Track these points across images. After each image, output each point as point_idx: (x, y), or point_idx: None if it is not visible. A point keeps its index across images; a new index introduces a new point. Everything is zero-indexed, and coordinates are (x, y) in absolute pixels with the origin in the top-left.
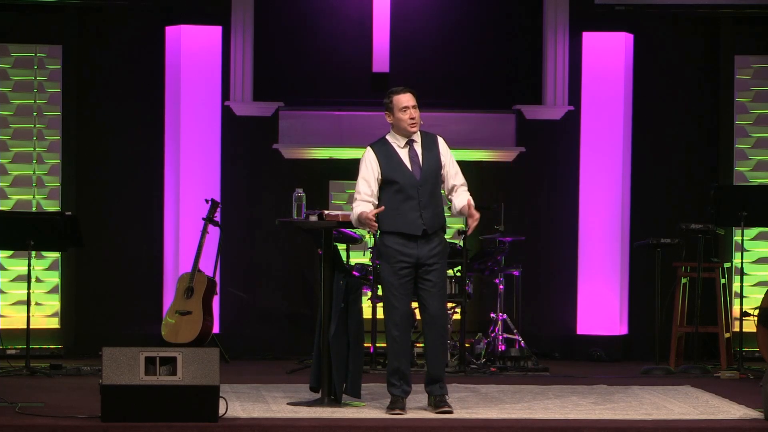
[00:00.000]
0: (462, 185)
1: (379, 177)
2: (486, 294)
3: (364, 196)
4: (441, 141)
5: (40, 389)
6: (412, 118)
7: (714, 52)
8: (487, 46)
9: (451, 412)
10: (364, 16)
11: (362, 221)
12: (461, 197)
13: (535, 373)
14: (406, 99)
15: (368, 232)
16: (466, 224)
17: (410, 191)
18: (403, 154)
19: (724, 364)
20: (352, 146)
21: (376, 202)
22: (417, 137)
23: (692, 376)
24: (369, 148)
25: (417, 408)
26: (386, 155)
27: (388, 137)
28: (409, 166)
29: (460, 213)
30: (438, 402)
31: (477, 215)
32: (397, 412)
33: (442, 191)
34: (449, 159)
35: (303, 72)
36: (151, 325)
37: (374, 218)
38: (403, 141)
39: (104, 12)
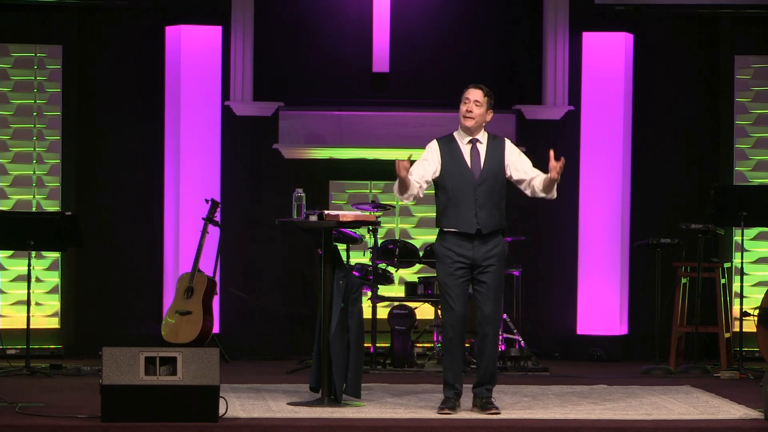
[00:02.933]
0: (540, 173)
1: (438, 169)
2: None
3: (413, 174)
4: (508, 143)
5: (40, 389)
6: (469, 111)
7: (714, 52)
8: (487, 46)
9: (498, 414)
10: (364, 16)
11: (397, 169)
12: (539, 177)
13: (535, 373)
14: (470, 92)
15: (368, 232)
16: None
17: (467, 189)
18: (466, 151)
19: (724, 364)
20: (352, 146)
21: (424, 186)
22: (483, 138)
23: (692, 376)
24: (435, 140)
25: (419, 408)
26: (449, 150)
27: (454, 133)
28: (469, 163)
29: (548, 185)
30: (485, 404)
31: (558, 163)
32: (447, 411)
33: (522, 189)
34: (518, 158)
35: (303, 72)
36: (151, 325)
37: (406, 166)
38: (466, 138)
39: (104, 12)
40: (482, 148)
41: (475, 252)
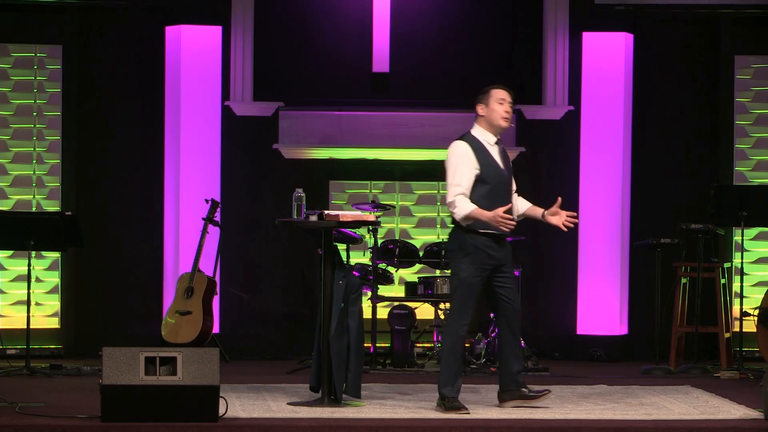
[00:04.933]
0: (515, 190)
1: (477, 173)
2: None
3: (463, 189)
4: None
5: (40, 389)
6: (507, 112)
7: (714, 52)
8: (486, 46)
9: (548, 392)
10: (364, 16)
11: (498, 221)
12: (524, 202)
13: (535, 373)
14: (504, 93)
15: (368, 232)
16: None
17: (502, 190)
18: (493, 152)
19: (724, 364)
20: (352, 146)
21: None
22: (499, 138)
23: (692, 376)
24: (463, 142)
25: (419, 408)
26: (480, 151)
27: (474, 133)
28: (500, 164)
29: (525, 215)
30: (527, 392)
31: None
32: (465, 411)
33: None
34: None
35: (303, 72)
36: (151, 325)
37: (507, 216)
38: (492, 138)
39: (104, 12)
40: (501, 149)
41: (501, 252)
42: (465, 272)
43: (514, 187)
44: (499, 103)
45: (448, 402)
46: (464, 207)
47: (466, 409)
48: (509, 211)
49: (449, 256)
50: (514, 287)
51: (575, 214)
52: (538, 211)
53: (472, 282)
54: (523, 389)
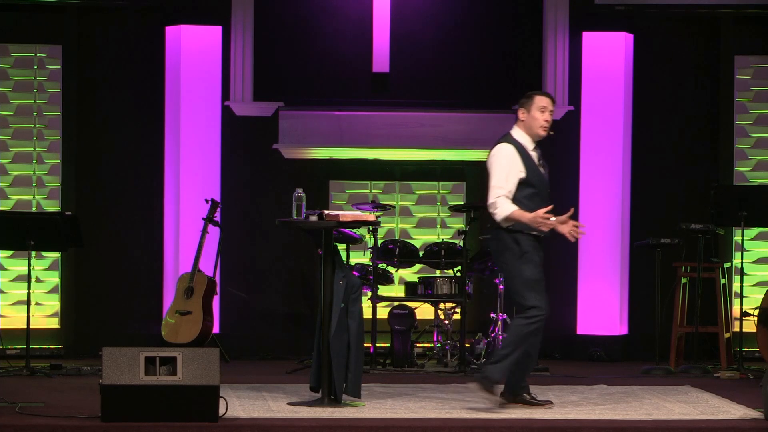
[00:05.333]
0: None
1: (523, 176)
2: (486, 294)
3: (504, 191)
4: None
5: (40, 389)
6: (547, 121)
7: (714, 52)
8: (487, 46)
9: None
10: (364, 16)
11: (538, 221)
12: None
13: (535, 373)
14: (546, 101)
15: (368, 232)
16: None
17: (544, 193)
18: (535, 156)
19: (724, 364)
20: (352, 146)
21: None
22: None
23: (692, 376)
24: (509, 145)
25: (419, 408)
26: (524, 155)
27: (515, 136)
28: (541, 168)
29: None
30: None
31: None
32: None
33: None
34: None
35: (303, 72)
36: (151, 325)
37: (547, 217)
38: (531, 143)
39: (104, 12)
40: (540, 153)
41: (541, 254)
42: (528, 271)
43: None
44: (540, 111)
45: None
46: (506, 208)
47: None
48: (545, 201)
49: (498, 260)
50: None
51: (582, 224)
52: (552, 223)
53: (536, 279)
54: (525, 395)
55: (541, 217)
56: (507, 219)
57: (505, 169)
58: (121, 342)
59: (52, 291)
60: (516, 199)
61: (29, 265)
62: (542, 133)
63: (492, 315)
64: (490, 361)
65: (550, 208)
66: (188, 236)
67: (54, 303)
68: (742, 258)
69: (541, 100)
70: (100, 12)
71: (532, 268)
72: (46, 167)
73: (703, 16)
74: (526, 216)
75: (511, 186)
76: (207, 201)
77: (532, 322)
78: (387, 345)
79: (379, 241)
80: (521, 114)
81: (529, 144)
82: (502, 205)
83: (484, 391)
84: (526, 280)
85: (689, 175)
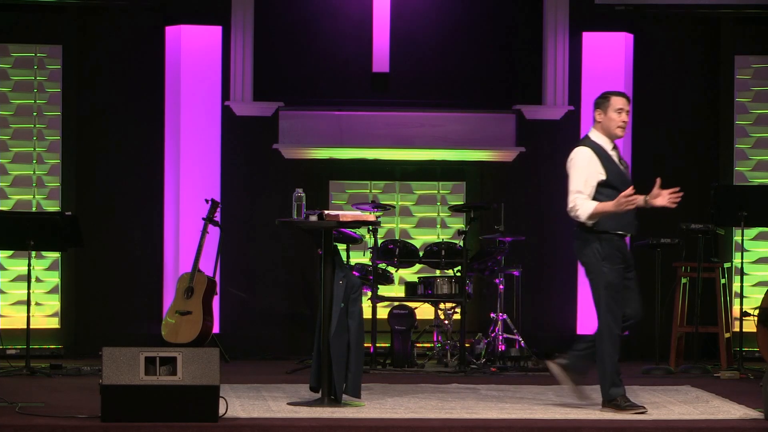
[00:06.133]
0: None
1: (602, 178)
2: (486, 294)
3: (584, 195)
4: None
5: (40, 389)
6: (624, 122)
7: (714, 52)
8: (487, 46)
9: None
10: (364, 16)
11: (622, 203)
12: None
13: (535, 373)
14: (623, 102)
15: (368, 232)
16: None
17: (625, 191)
18: (614, 156)
19: (724, 364)
20: (352, 146)
21: None
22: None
23: (692, 376)
24: (587, 148)
25: (419, 408)
26: (602, 157)
27: (593, 138)
28: (622, 168)
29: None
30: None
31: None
32: (642, 409)
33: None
34: None
35: (303, 72)
36: (151, 325)
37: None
38: (609, 144)
39: (104, 12)
40: (618, 153)
41: (627, 251)
42: (609, 275)
43: None
44: (616, 113)
45: (623, 400)
46: (587, 206)
47: (643, 407)
48: (632, 199)
49: (583, 261)
50: (637, 288)
51: (677, 188)
52: (640, 200)
53: (617, 283)
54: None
55: (624, 197)
56: (591, 216)
57: (584, 173)
58: (121, 342)
59: (52, 291)
60: (596, 201)
61: (29, 265)
62: (620, 133)
63: (492, 315)
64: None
65: (631, 188)
66: (188, 236)
67: (54, 303)
68: (742, 258)
69: (617, 101)
70: (100, 12)
71: (613, 270)
72: (46, 167)
73: (703, 16)
74: (609, 205)
75: (590, 189)
76: (207, 201)
77: (617, 324)
78: (387, 345)
79: (379, 241)
80: (598, 115)
81: (607, 144)
82: (582, 204)
83: (627, 410)
84: (608, 284)
85: (689, 175)
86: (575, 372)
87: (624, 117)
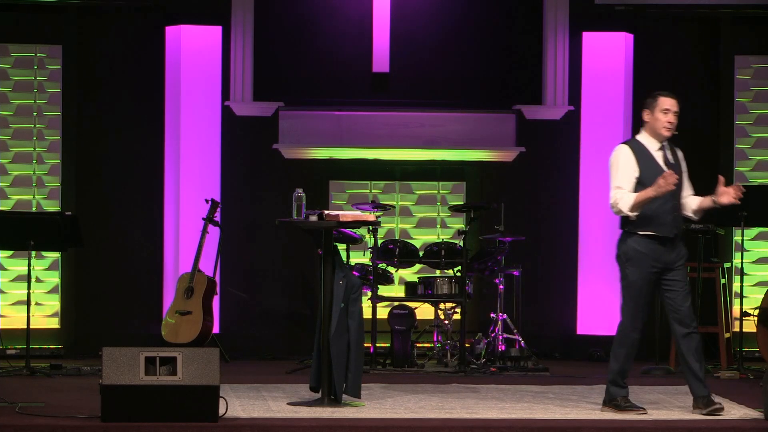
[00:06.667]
0: (692, 193)
1: (637, 176)
2: (486, 294)
3: (624, 191)
4: (680, 151)
5: (40, 389)
6: (670, 123)
7: (714, 52)
8: (487, 47)
9: (722, 410)
10: (364, 16)
11: (661, 185)
12: (694, 198)
13: (535, 373)
14: (670, 102)
15: (368, 232)
16: (713, 205)
17: (665, 194)
18: (658, 156)
19: (724, 364)
20: (352, 146)
21: None
22: (666, 143)
23: None
24: (625, 146)
25: (419, 408)
26: (642, 155)
27: (639, 138)
28: (664, 168)
29: (704, 208)
30: (709, 402)
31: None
32: (643, 411)
33: None
34: (686, 168)
35: (303, 72)
36: (151, 325)
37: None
38: (656, 144)
39: (104, 12)
40: (669, 154)
41: (668, 256)
42: (630, 276)
43: (690, 191)
44: (663, 113)
45: (623, 401)
46: (626, 199)
47: (643, 409)
48: (669, 202)
49: (617, 261)
50: (684, 290)
51: (739, 185)
52: (707, 201)
53: (637, 285)
54: (704, 398)
55: (662, 178)
56: (633, 206)
57: (621, 170)
58: (121, 342)
59: (52, 291)
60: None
61: (29, 265)
62: (666, 133)
63: (492, 315)
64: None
65: (670, 173)
66: (188, 236)
67: (54, 303)
68: (742, 258)
69: (664, 102)
70: (100, 12)
71: (639, 272)
72: (46, 167)
73: (703, 16)
74: (648, 191)
75: (630, 186)
76: (207, 201)
77: (634, 328)
78: (387, 345)
79: (379, 241)
80: (646, 115)
81: (653, 144)
82: (622, 198)
83: (626, 411)
84: (631, 285)
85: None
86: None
87: (670, 117)
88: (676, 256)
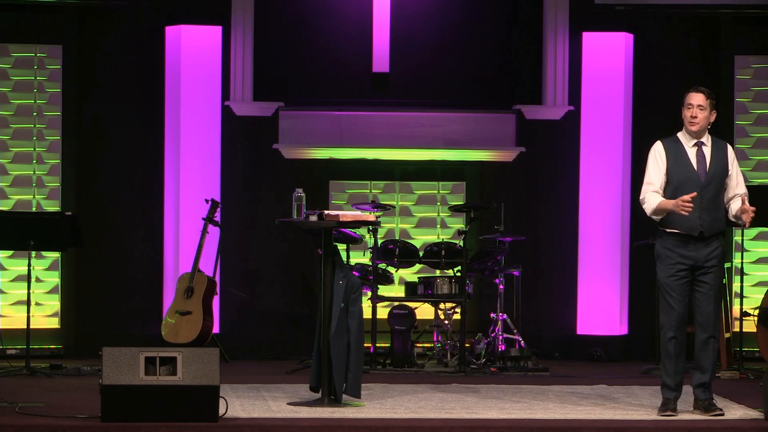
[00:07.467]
0: (744, 194)
1: (665, 172)
2: (486, 294)
3: (654, 187)
4: (730, 149)
5: (40, 389)
6: (693, 117)
7: (714, 52)
8: (487, 46)
9: (722, 415)
10: (364, 16)
11: (678, 206)
12: (738, 202)
13: (535, 373)
14: (692, 97)
15: (368, 232)
16: (739, 221)
17: (690, 189)
18: (692, 153)
19: (724, 364)
20: (352, 146)
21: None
22: (707, 140)
23: None
24: (659, 142)
25: (419, 408)
26: (675, 152)
27: (679, 135)
28: (695, 165)
29: (735, 216)
30: (708, 405)
31: (750, 208)
32: (669, 413)
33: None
34: (735, 169)
35: (303, 72)
36: (151, 325)
37: (687, 200)
38: (691, 141)
39: (104, 12)
40: (707, 151)
41: (697, 253)
42: (659, 274)
43: (736, 190)
44: (687, 108)
45: (661, 405)
46: (651, 201)
47: (671, 413)
48: (694, 200)
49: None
50: (710, 293)
51: (752, 208)
52: (737, 211)
53: (666, 282)
54: (704, 401)
55: (681, 200)
56: (655, 211)
57: (651, 166)
58: (121, 342)
59: (52, 291)
60: (664, 196)
61: (29, 265)
62: (691, 128)
63: (492, 315)
64: None
65: (692, 195)
66: (188, 236)
67: (54, 303)
68: (742, 258)
69: (688, 97)
70: (100, 12)
71: (664, 269)
72: (46, 167)
73: (703, 16)
74: (669, 203)
75: (659, 182)
76: (207, 201)
77: (669, 326)
78: (387, 345)
79: (379, 241)
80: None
81: (687, 141)
82: (649, 198)
83: (668, 412)
84: (660, 282)
85: None
86: None
87: (693, 112)
88: (707, 256)
